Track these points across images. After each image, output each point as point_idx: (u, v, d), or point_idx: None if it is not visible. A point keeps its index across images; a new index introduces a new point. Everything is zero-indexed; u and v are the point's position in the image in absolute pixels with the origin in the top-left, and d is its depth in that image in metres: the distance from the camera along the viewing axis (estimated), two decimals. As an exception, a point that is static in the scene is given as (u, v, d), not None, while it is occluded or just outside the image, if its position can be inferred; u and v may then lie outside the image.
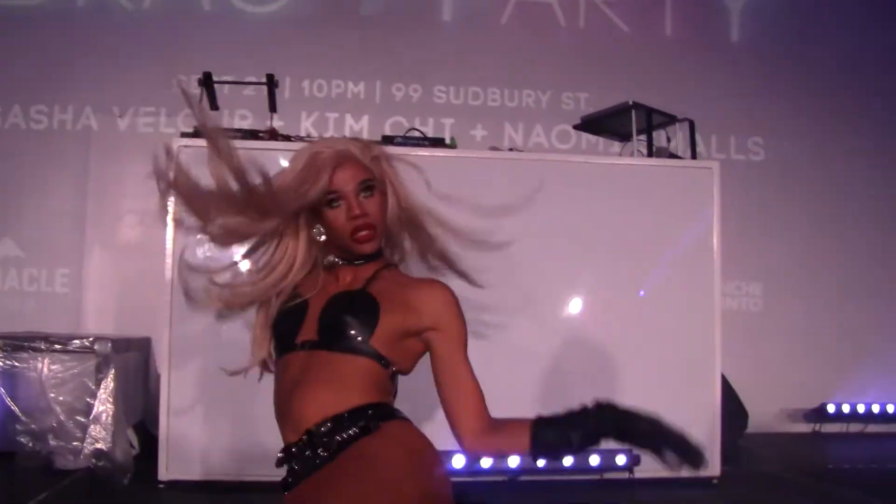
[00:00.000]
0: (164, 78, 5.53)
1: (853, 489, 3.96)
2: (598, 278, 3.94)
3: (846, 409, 5.82)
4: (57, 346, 3.82)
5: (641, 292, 3.94)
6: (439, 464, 2.02)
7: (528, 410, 3.74)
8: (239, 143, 3.51)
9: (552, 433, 2.04)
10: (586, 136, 5.47)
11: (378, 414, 2.03)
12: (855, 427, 5.91)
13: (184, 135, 3.75)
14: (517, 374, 3.75)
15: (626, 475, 3.82)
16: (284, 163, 3.54)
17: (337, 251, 2.18)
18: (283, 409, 2.11)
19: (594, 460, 3.78)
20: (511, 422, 2.11)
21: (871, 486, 4.04)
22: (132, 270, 5.23)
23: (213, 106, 4.06)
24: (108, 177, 5.46)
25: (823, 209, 6.17)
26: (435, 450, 2.06)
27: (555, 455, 2.09)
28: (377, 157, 2.14)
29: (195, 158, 3.46)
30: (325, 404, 2.02)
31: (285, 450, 2.07)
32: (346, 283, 2.17)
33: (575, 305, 3.93)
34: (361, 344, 2.07)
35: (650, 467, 3.82)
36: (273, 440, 3.45)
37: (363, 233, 2.11)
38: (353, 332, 2.10)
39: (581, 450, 2.01)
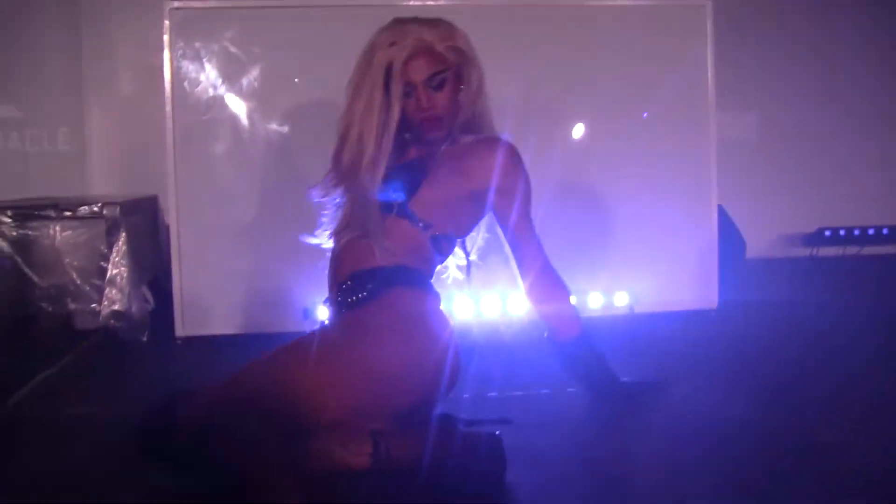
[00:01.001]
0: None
1: (844, 316, 4.08)
2: (594, 118, 3.96)
3: (842, 232, 5.95)
4: (66, 213, 3.89)
5: (644, 114, 3.97)
6: (433, 334, 2.13)
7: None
8: (232, 3, 3.54)
9: (591, 348, 2.35)
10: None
11: (391, 278, 2.19)
12: (851, 250, 6.05)
13: (174, -7, 3.70)
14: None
15: (626, 311, 3.94)
16: (282, 21, 3.57)
17: (411, 130, 2.34)
18: (334, 264, 2.34)
19: (596, 301, 3.90)
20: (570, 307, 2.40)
21: (862, 314, 4.18)
22: (134, 127, 5.22)
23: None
24: (100, 32, 5.33)
25: (820, 37, 6.06)
26: (433, 319, 2.19)
27: (576, 358, 2.35)
28: (457, 47, 2.27)
29: (187, 20, 3.52)
30: (356, 260, 2.23)
31: (326, 300, 2.33)
32: (418, 156, 2.37)
33: (573, 144, 3.96)
34: (400, 206, 2.25)
35: (649, 301, 3.95)
36: (288, 291, 3.61)
37: (428, 124, 2.26)
38: (395, 193, 2.26)
39: (586, 378, 2.35)
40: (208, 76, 3.63)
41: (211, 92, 3.64)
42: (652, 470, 2.11)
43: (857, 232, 5.97)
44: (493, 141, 2.32)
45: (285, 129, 3.66)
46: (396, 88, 2.20)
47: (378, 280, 2.18)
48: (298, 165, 3.69)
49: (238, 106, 3.66)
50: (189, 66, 3.61)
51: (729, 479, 2.04)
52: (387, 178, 2.27)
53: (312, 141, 3.67)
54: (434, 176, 2.29)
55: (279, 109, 3.68)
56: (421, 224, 2.26)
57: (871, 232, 5.98)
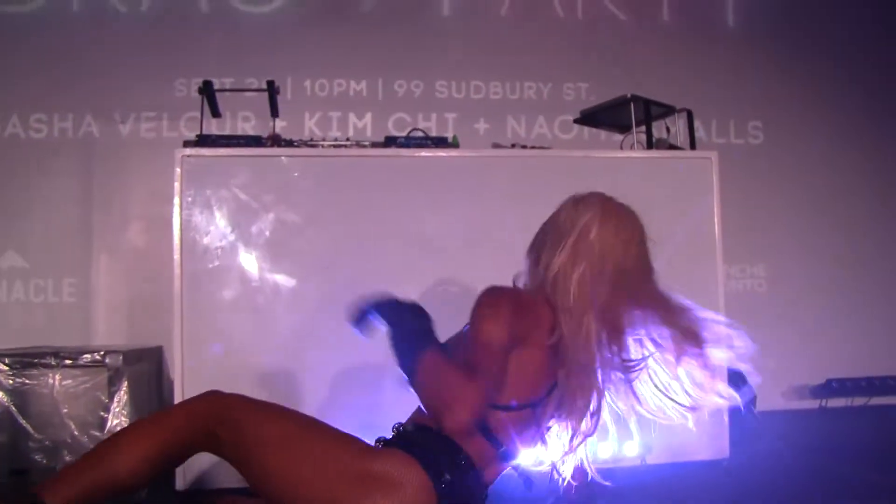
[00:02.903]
0: (165, 82, 5.52)
1: (858, 465, 4.00)
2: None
3: (850, 384, 5.88)
4: (67, 361, 3.81)
5: (652, 275, 3.94)
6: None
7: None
8: (243, 151, 3.57)
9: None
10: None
11: (401, 440, 2.10)
12: (859, 401, 5.96)
13: (186, 143, 3.74)
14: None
15: (637, 463, 3.83)
16: (288, 167, 3.59)
17: None
18: None
19: (606, 451, 3.79)
20: None
21: (874, 461, 4.10)
22: (141, 278, 5.22)
23: (215, 113, 4.04)
24: (111, 184, 5.42)
25: (823, 189, 6.19)
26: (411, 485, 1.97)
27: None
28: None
29: (198, 168, 3.53)
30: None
31: None
32: None
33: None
34: None
35: (660, 451, 3.85)
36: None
37: None
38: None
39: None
40: (217, 224, 3.62)
41: (220, 240, 3.63)
42: None
43: (865, 382, 5.91)
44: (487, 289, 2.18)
45: (295, 277, 3.64)
46: None
47: (411, 441, 2.09)
48: (308, 313, 3.65)
49: (247, 254, 3.64)
50: (199, 214, 3.61)
51: None
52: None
53: (323, 289, 3.66)
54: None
55: (289, 258, 3.65)
56: None
57: (878, 382, 5.92)
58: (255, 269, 3.65)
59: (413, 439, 2.07)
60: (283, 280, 3.65)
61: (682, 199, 4.00)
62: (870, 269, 6.18)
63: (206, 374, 3.59)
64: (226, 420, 2.09)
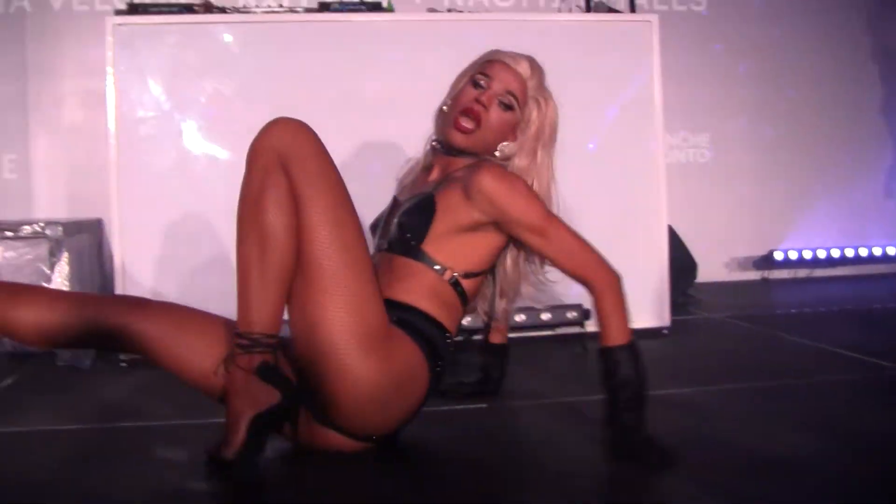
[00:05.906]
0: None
1: (796, 332, 4.06)
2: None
3: (793, 255, 6.00)
4: (9, 233, 3.81)
5: (591, 145, 3.94)
6: (412, 391, 2.07)
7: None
8: (175, 18, 3.50)
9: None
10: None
11: (402, 320, 2.08)
12: (802, 273, 6.10)
13: (118, 12, 3.67)
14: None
15: (577, 329, 3.88)
16: (224, 37, 3.53)
17: (441, 135, 2.31)
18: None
19: (546, 316, 3.84)
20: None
21: (813, 329, 4.14)
22: (79, 151, 5.17)
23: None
24: (46, 59, 5.28)
25: (768, 58, 6.15)
26: (419, 376, 2.07)
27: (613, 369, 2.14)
28: (540, 101, 2.29)
29: (130, 37, 3.47)
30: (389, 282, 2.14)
31: None
32: (432, 181, 2.29)
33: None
34: (414, 249, 2.15)
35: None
36: (230, 308, 3.51)
37: (465, 121, 2.21)
38: (408, 235, 2.16)
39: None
40: (152, 93, 3.58)
41: (155, 110, 3.60)
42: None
43: (809, 254, 6.02)
44: (485, 167, 2.17)
45: (229, 145, 3.62)
46: (474, 68, 2.31)
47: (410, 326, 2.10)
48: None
49: (183, 122, 3.62)
50: (132, 84, 3.57)
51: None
52: (400, 212, 2.24)
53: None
54: (443, 207, 2.17)
55: (224, 125, 3.64)
56: (437, 268, 2.14)
57: (822, 254, 6.03)
58: (190, 138, 3.63)
59: (411, 324, 2.08)
60: (218, 149, 3.63)
61: (622, 66, 3.96)
62: (814, 141, 6.19)
63: (145, 244, 3.61)
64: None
